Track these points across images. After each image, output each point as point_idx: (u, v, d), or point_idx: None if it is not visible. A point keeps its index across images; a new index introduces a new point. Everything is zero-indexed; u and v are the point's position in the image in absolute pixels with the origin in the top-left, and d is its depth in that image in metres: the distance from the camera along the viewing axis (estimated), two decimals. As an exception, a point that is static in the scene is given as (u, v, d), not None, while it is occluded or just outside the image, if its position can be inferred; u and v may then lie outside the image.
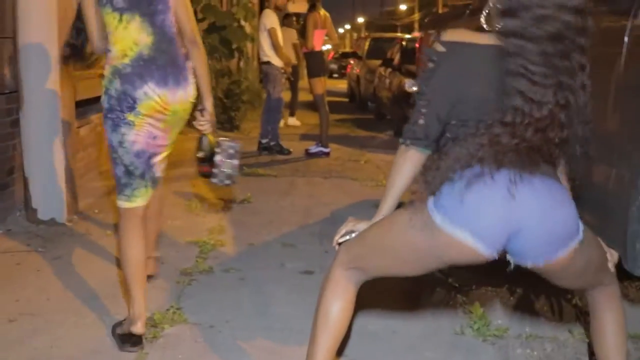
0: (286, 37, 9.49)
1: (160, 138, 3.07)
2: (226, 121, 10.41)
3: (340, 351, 2.95)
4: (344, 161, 8.14)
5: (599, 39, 3.11)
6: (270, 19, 8.51)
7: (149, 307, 3.31)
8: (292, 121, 11.98)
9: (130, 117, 2.94)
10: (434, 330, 3.27)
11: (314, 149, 8.52)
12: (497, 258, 2.03)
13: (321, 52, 8.79)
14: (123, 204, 3.07)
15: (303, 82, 11.69)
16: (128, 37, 2.96)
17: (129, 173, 3.03)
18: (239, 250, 4.38)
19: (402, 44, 12.62)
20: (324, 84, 8.77)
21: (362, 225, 2.29)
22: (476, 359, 2.98)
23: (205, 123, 3.18)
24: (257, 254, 4.31)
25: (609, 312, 2.30)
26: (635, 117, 2.60)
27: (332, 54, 27.49)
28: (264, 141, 8.52)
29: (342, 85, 23.21)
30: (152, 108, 2.97)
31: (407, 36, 15.38)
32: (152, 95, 2.95)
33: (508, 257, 2.07)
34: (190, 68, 3.11)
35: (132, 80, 2.93)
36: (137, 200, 3.07)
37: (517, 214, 1.93)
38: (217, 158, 3.21)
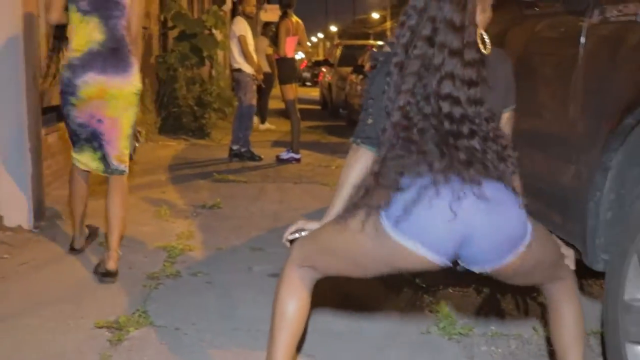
0: (261, 46, 9.52)
1: (106, 123, 3.78)
2: (197, 129, 10.40)
3: (300, 349, 2.96)
4: (314, 167, 8.16)
5: (556, 39, 3.17)
6: (240, 26, 8.56)
7: (115, 311, 3.31)
8: (266, 126, 12.01)
9: (73, 100, 3.72)
10: (400, 330, 3.28)
11: (285, 155, 8.53)
12: (449, 265, 2.06)
13: (293, 59, 8.83)
14: (74, 155, 3.93)
15: (275, 90, 11.73)
16: (85, 34, 3.69)
17: (76, 134, 3.85)
18: (207, 255, 4.37)
19: (372, 50, 12.68)
20: (295, 91, 8.80)
21: (312, 225, 2.32)
22: (441, 357, 2.99)
23: None
24: (225, 258, 4.30)
25: (566, 305, 2.32)
26: (590, 116, 2.64)
27: (304, 62, 27.53)
28: (235, 148, 8.51)
29: (314, 93, 23.25)
30: (92, 93, 3.70)
31: (378, 43, 15.45)
32: (90, 82, 3.67)
33: (459, 262, 2.10)
34: (135, 62, 3.80)
35: (76, 71, 3.69)
36: (83, 156, 3.89)
37: (465, 224, 1.95)
38: None
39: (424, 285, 3.87)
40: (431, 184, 1.96)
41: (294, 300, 2.26)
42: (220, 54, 14.72)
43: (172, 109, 10.39)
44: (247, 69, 8.52)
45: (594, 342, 3.12)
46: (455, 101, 1.98)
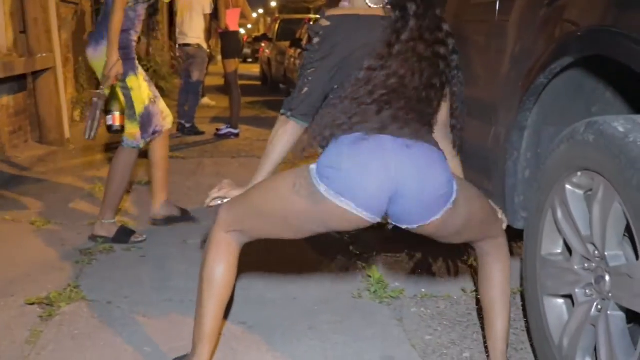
0: None
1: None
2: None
3: (228, 315, 2.99)
4: (252, 141, 8.14)
5: (477, 5, 3.23)
6: (207, 3, 8.52)
7: (47, 288, 3.29)
8: (206, 101, 11.93)
9: None
10: (333, 296, 3.33)
11: (223, 130, 8.49)
12: (379, 221, 2.11)
13: (236, 32, 8.69)
14: None
15: (213, 67, 11.61)
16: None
17: None
18: (141, 230, 4.33)
19: (310, 24, 12.64)
20: (236, 65, 8.76)
21: (235, 192, 2.34)
22: (372, 320, 3.05)
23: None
24: (160, 232, 4.28)
25: (495, 262, 2.39)
26: (506, 77, 2.70)
27: (245, 38, 27.32)
28: (181, 122, 8.57)
29: (255, 69, 23.14)
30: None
31: (316, 16, 15.42)
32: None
33: (387, 219, 2.15)
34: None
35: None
36: None
37: (395, 180, 2.01)
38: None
39: (357, 252, 3.93)
40: (363, 142, 2.01)
41: (221, 265, 2.28)
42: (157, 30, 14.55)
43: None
44: (206, 45, 8.60)
45: (519, 300, 3.22)
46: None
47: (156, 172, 4.39)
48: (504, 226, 2.41)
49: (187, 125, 8.60)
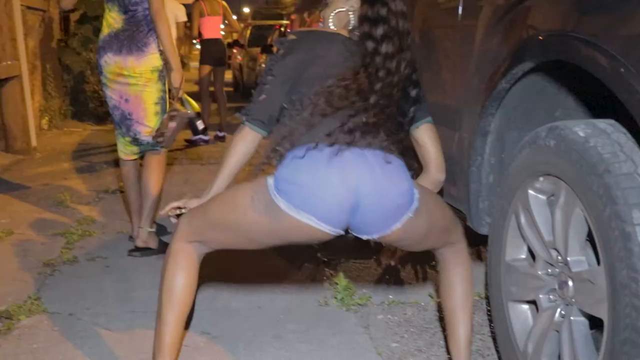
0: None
1: (133, 101, 3.91)
2: (104, 114, 10.15)
3: (189, 325, 2.94)
4: (223, 148, 8.07)
5: (441, 10, 3.21)
6: (183, 12, 8.38)
7: (6, 300, 3.22)
8: None
9: (103, 79, 3.98)
10: (299, 304, 3.29)
11: (193, 137, 8.43)
12: (341, 233, 2.08)
13: (209, 40, 8.85)
14: (118, 147, 4.10)
15: (187, 73, 11.63)
16: (108, 20, 3.90)
17: (113, 118, 4.04)
18: (107, 239, 4.29)
19: (280, 30, 12.66)
20: (208, 72, 8.93)
21: (193, 203, 2.31)
22: (338, 328, 3.01)
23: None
24: (125, 242, 4.21)
25: (455, 268, 2.38)
26: (469, 82, 2.68)
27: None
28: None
29: (228, 75, 23.01)
30: (112, 72, 3.89)
31: (285, 22, 15.41)
32: (109, 62, 3.87)
33: (349, 230, 2.13)
34: (153, 42, 3.87)
35: (99, 52, 3.92)
36: (120, 143, 4.05)
37: (355, 192, 1.99)
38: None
39: (325, 259, 3.90)
40: (320, 155, 1.98)
41: (181, 276, 2.24)
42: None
43: (77, 94, 10.13)
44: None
45: (486, 305, 3.20)
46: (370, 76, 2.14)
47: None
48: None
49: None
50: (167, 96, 3.98)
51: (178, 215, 2.36)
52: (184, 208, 2.33)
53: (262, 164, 2.20)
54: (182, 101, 4.06)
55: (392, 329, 3.02)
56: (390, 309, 3.23)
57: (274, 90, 2.25)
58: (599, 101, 2.49)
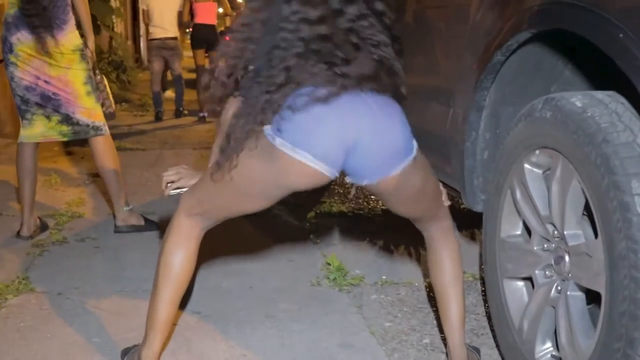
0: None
1: (56, 83, 3.71)
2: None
3: (185, 305, 2.90)
4: (215, 132, 8.02)
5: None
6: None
7: (-6, 280, 3.18)
8: (168, 94, 11.86)
9: (12, 58, 3.66)
10: (291, 284, 3.25)
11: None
12: (337, 175, 2.00)
13: (202, 25, 9.36)
14: (23, 133, 3.79)
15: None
16: None
17: (24, 102, 3.73)
18: (97, 221, 4.24)
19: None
20: (202, 57, 9.43)
21: (194, 180, 2.24)
22: (330, 308, 2.98)
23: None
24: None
25: (444, 246, 2.33)
26: (463, 56, 2.64)
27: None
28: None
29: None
30: (26, 52, 3.64)
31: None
32: (23, 40, 3.63)
33: (347, 178, 2.05)
34: (71, 18, 3.72)
35: (10, 29, 3.64)
36: (36, 127, 3.75)
37: (351, 130, 1.90)
38: (102, 90, 4.00)
39: (317, 241, 3.86)
40: (317, 94, 1.90)
41: (181, 251, 2.18)
42: (119, 23, 14.38)
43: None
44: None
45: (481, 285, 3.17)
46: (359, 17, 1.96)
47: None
48: (446, 200, 2.34)
49: (181, 109, 9.42)
50: (93, 73, 3.89)
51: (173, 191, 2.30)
52: (184, 187, 2.26)
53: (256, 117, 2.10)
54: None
55: (386, 309, 2.98)
56: (384, 289, 3.20)
57: (259, 54, 2.15)
58: (595, 78, 2.46)
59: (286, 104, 1.93)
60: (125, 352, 2.41)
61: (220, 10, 10.05)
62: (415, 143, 2.04)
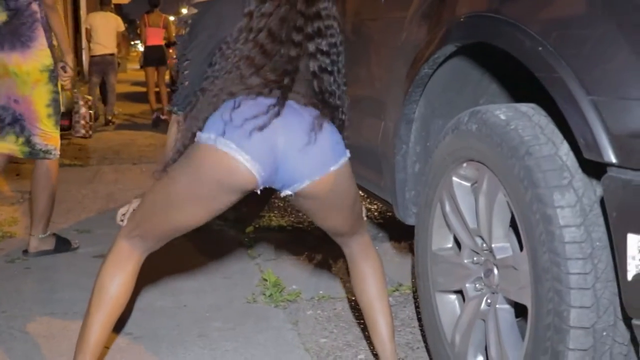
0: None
1: (22, 103, 3.64)
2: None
3: (121, 328, 2.83)
4: (156, 147, 7.94)
5: (366, 2, 3.16)
6: (121, 22, 10.73)
7: None
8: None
9: None
10: (226, 301, 3.20)
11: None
12: (264, 186, 1.98)
13: (151, 46, 10.96)
14: None
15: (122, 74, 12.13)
16: None
17: (1, 120, 3.67)
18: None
19: (178, 17, 12.65)
20: (152, 74, 11.09)
21: (136, 202, 2.19)
22: (265, 325, 2.93)
23: (66, 78, 3.72)
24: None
25: (367, 261, 2.32)
26: (393, 68, 2.63)
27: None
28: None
29: (166, 76, 22.72)
30: None
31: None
32: None
33: (280, 191, 2.02)
34: (40, 36, 3.60)
35: None
36: (7, 139, 3.69)
37: (283, 131, 1.89)
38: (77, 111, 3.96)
39: (254, 256, 3.82)
40: (248, 102, 1.90)
41: (118, 274, 2.11)
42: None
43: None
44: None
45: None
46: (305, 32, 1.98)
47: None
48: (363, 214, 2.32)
49: (109, 117, 10.40)
50: (60, 97, 3.76)
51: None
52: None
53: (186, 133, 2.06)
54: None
55: (322, 324, 2.95)
56: (320, 304, 3.17)
57: (193, 73, 2.19)
58: (521, 90, 2.47)
59: (225, 111, 1.90)
60: (52, 377, 2.33)
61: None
62: (347, 150, 2.03)
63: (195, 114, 2.00)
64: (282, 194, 2.02)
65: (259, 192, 2.00)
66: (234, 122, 1.88)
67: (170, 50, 18.29)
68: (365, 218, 2.34)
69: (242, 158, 1.88)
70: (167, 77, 11.74)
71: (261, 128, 1.88)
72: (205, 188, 1.97)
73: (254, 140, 1.88)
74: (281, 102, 1.91)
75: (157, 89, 11.24)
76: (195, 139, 1.95)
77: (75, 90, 3.92)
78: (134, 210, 2.17)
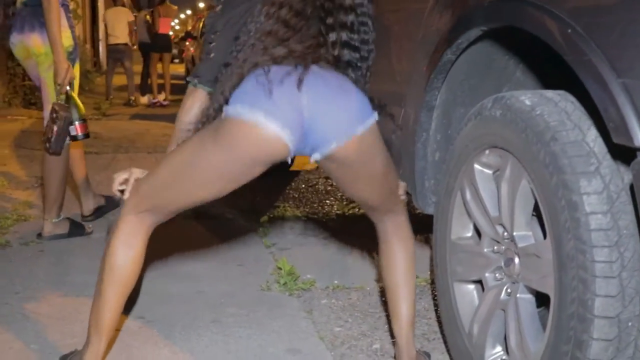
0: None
1: (41, 84, 3.68)
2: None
3: (130, 310, 2.81)
4: (151, 135, 7.93)
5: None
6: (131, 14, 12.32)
7: None
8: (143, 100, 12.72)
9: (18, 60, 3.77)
10: (241, 289, 3.17)
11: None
12: (295, 150, 1.91)
13: (159, 34, 12.32)
14: None
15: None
16: None
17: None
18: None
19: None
20: (155, 59, 12.50)
21: (138, 172, 2.14)
22: (280, 312, 2.90)
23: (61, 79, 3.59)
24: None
25: (399, 240, 2.26)
26: (414, 55, 2.59)
27: (172, 37, 26.96)
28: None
29: (181, 69, 22.76)
30: (19, 53, 3.68)
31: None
32: (14, 41, 3.65)
33: (311, 157, 1.95)
34: (60, 17, 3.53)
35: (11, 32, 3.65)
36: None
37: (309, 94, 1.84)
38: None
39: (269, 244, 3.79)
40: (272, 69, 1.85)
41: (127, 251, 2.06)
42: (78, 26, 14.17)
43: (23, 81, 9.88)
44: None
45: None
46: None
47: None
48: (402, 192, 2.28)
49: (132, 98, 12.08)
50: (76, 84, 3.70)
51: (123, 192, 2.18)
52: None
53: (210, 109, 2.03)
54: (67, 99, 3.63)
55: (336, 313, 2.92)
56: (335, 294, 3.13)
57: (220, 47, 2.15)
58: (550, 78, 2.43)
59: (250, 82, 1.87)
60: (64, 358, 2.31)
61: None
62: (375, 113, 1.97)
63: (221, 86, 1.97)
64: (312, 159, 1.96)
65: (289, 160, 1.95)
66: (259, 92, 1.83)
67: (187, 43, 18.33)
68: (403, 197, 2.28)
69: (273, 126, 1.83)
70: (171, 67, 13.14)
71: (287, 94, 1.83)
72: (237, 164, 1.91)
73: (281, 106, 1.83)
74: (306, 68, 1.87)
75: (160, 81, 12.58)
76: (222, 115, 1.90)
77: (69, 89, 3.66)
78: (139, 182, 2.08)
